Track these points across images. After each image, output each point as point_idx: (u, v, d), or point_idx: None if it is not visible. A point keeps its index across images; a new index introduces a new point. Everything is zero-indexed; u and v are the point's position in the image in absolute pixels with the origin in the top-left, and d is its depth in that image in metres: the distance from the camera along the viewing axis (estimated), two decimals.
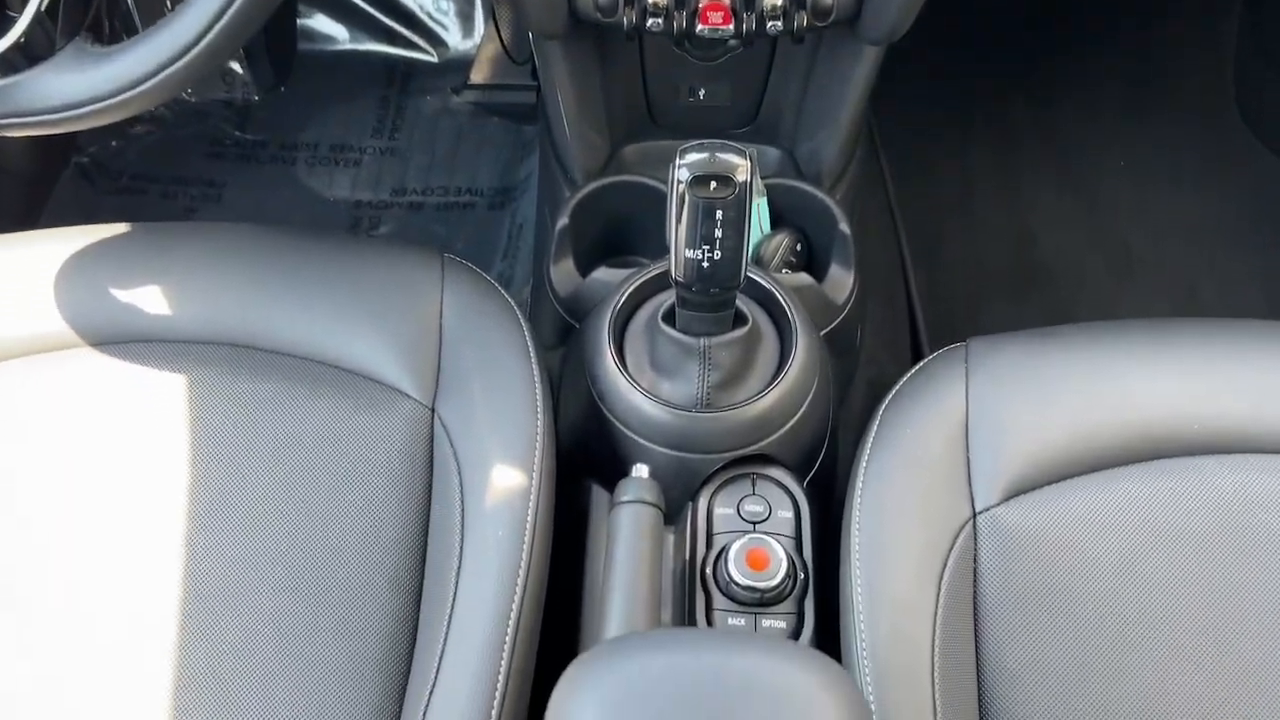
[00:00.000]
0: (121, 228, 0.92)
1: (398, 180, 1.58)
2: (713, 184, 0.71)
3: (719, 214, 0.72)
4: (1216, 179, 1.46)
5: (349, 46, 1.71)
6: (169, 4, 1.51)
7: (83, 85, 0.63)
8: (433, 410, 0.83)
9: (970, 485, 0.79)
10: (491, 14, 1.62)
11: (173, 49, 0.62)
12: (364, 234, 1.53)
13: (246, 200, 1.57)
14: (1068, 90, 1.54)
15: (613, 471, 0.84)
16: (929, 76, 1.48)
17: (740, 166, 0.71)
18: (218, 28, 0.62)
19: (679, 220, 0.73)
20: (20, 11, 0.66)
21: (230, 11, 0.63)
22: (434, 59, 1.70)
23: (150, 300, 0.87)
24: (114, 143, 1.62)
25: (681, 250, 0.74)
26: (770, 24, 0.88)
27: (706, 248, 0.74)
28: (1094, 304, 1.36)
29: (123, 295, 0.88)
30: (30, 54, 0.66)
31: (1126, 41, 1.56)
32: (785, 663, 0.50)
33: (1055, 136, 1.51)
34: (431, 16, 1.70)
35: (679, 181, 0.72)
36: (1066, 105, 1.53)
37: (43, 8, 0.66)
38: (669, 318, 0.84)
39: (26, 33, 0.65)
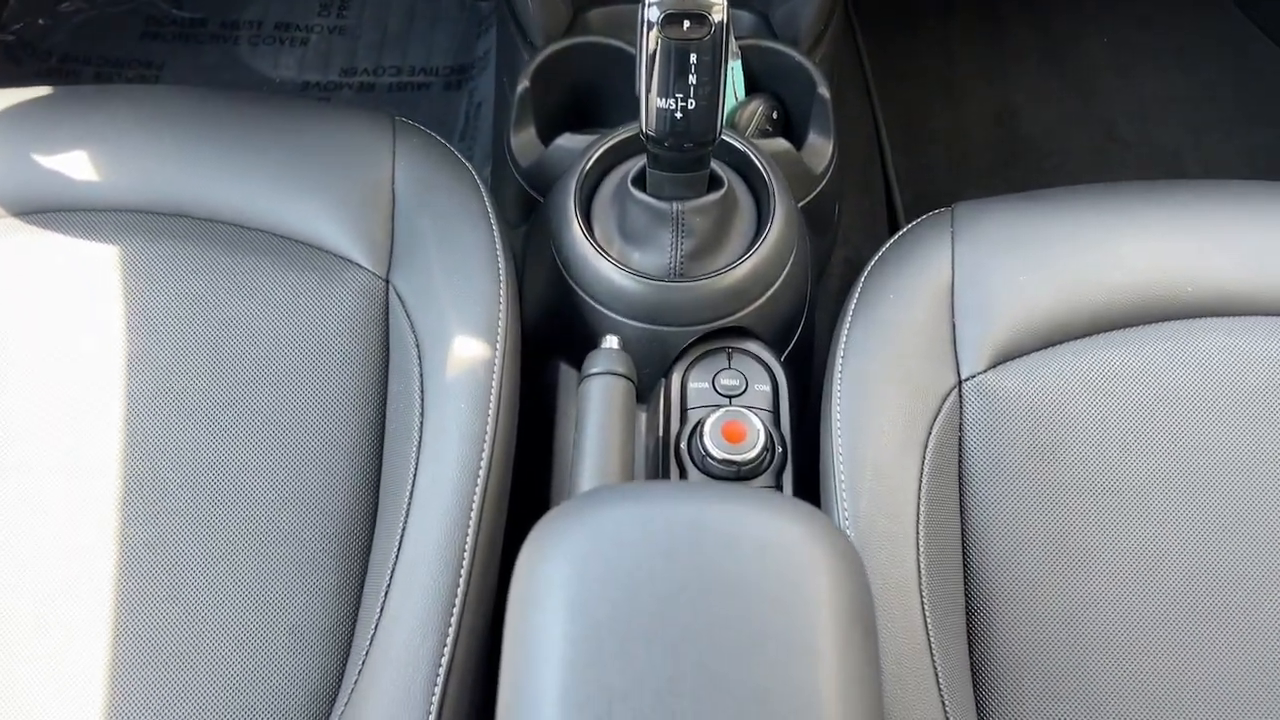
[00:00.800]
0: (44, 90, 0.85)
1: (347, 60, 1.50)
2: (686, 24, 0.66)
3: (693, 57, 0.67)
4: (1200, 56, 1.41)
5: None
6: None
7: None
8: (387, 281, 0.78)
9: (956, 352, 0.75)
10: None
11: None
12: None
13: (186, 82, 1.48)
14: None
15: (581, 349, 0.80)
16: None
17: (716, 4, 0.66)
18: None
19: (650, 66, 0.68)
20: None
21: None
22: None
23: (77, 166, 0.80)
24: (41, 20, 1.52)
25: (653, 100, 0.69)
26: None
27: (680, 96, 0.68)
28: (1077, 180, 1.31)
29: (46, 161, 0.81)
30: None
31: None
32: (771, 512, 0.46)
33: (1038, 13, 1.46)
34: None
35: (649, 22, 0.66)
36: None
37: None
38: (639, 181, 0.79)
39: None
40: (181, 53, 1.51)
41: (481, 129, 1.40)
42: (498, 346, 0.74)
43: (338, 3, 1.55)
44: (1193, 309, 0.76)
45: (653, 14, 0.66)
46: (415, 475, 0.71)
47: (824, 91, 0.96)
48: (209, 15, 1.54)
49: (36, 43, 1.50)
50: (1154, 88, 1.40)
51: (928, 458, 0.71)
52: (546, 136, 0.98)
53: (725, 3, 0.66)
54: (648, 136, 0.72)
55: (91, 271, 0.77)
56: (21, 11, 1.51)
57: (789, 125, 1.03)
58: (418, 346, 0.76)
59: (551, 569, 0.45)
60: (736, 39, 1.00)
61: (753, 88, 1.01)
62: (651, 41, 0.67)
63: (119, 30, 1.52)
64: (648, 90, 0.69)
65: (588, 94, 1.03)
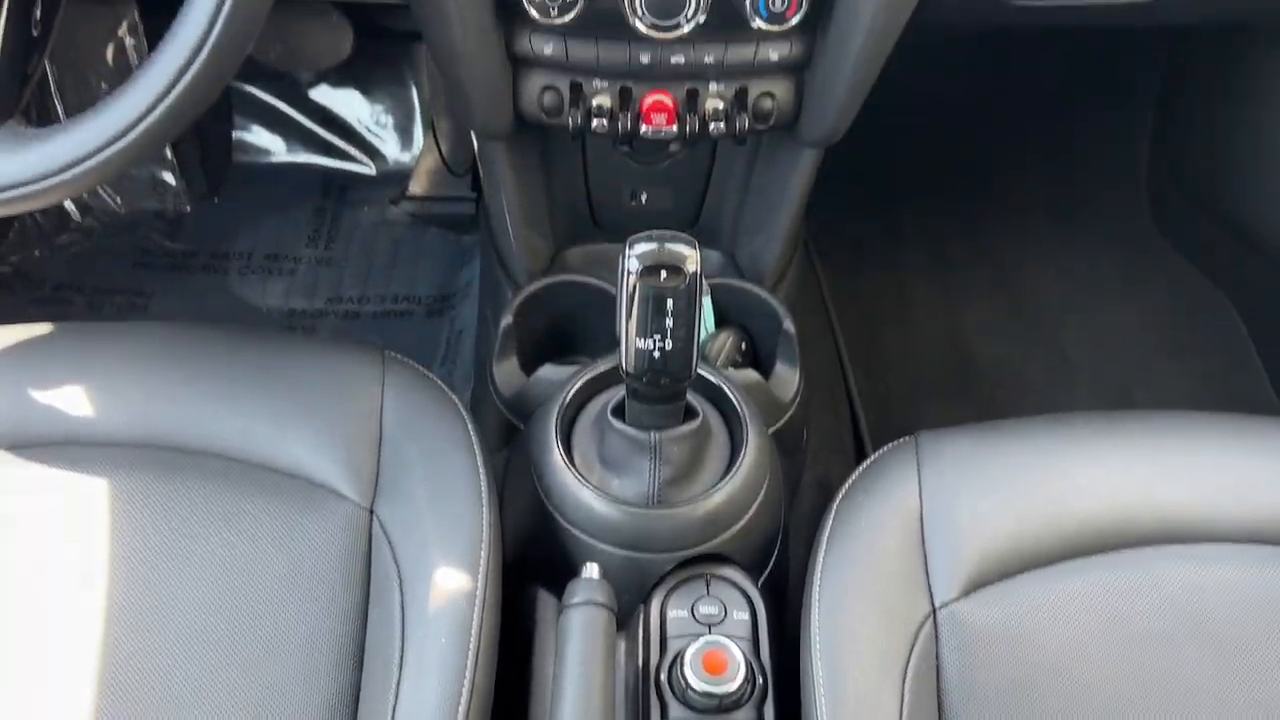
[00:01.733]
0: (43, 327, 0.88)
1: (333, 289, 1.56)
2: (663, 274, 0.71)
3: (670, 303, 0.72)
4: (1139, 285, 1.51)
5: (285, 159, 1.71)
6: (102, 89, 1.51)
7: (16, 166, 0.60)
8: (371, 512, 0.80)
9: (928, 580, 0.77)
10: (431, 127, 1.64)
11: (110, 132, 0.60)
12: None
13: (175, 310, 1.53)
14: (994, 203, 1.60)
15: (561, 576, 0.81)
16: (860, 187, 1.53)
17: (690, 256, 0.72)
18: (157, 112, 0.61)
19: (630, 311, 0.72)
20: None
21: (170, 97, 0.62)
22: (371, 171, 1.70)
23: (72, 401, 0.83)
24: (37, 252, 1.58)
25: (632, 341, 0.73)
26: (713, 125, 0.90)
27: (658, 337, 0.73)
28: (1031, 406, 1.38)
29: (42, 396, 0.83)
30: None
31: (1048, 158, 1.64)
32: None
33: (985, 246, 1.56)
34: (370, 130, 1.71)
35: (629, 272, 0.71)
36: (994, 217, 1.59)
37: None
38: (618, 412, 0.82)
39: None
40: (171, 282, 1.57)
41: (462, 354, 1.45)
42: (479, 579, 0.75)
43: (325, 235, 1.63)
44: (1150, 537, 0.79)
45: (633, 264, 0.71)
46: (394, 709, 0.70)
47: (789, 326, 1.03)
48: (200, 247, 1.61)
49: (32, 273, 1.56)
50: (1099, 316, 1.49)
51: (907, 687, 0.71)
52: (528, 367, 1.02)
53: (698, 255, 0.72)
54: (627, 373, 0.76)
55: (84, 504, 0.78)
56: (20, 244, 1.58)
57: (757, 355, 1.08)
58: (399, 577, 0.76)
59: None
60: (706, 277, 1.06)
61: (722, 321, 1.07)
62: (631, 288, 0.72)
63: (112, 261, 1.58)
64: (627, 331, 0.74)
65: (567, 326, 1.09)
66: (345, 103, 1.71)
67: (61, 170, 0.60)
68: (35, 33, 0.74)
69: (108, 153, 0.59)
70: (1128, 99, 1.58)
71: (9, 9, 0.71)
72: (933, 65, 1.25)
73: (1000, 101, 1.64)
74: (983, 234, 1.56)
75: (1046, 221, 1.59)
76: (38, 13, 0.74)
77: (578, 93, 0.88)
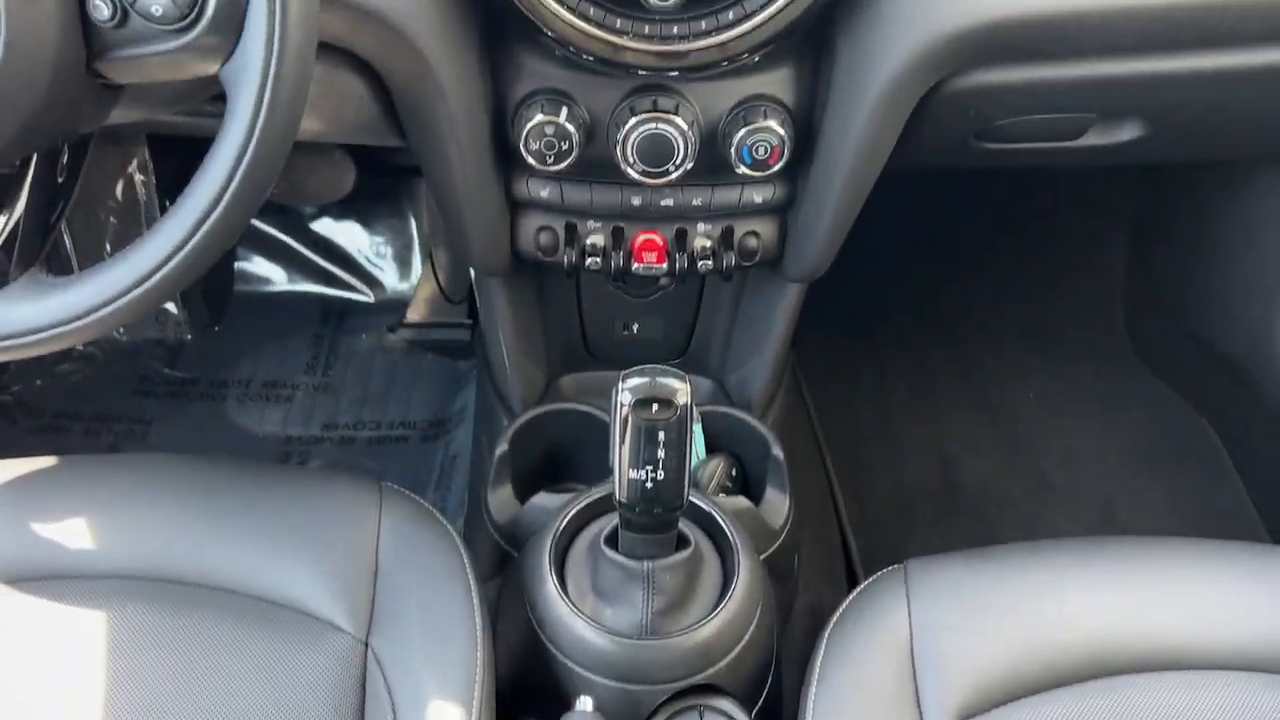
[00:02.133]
0: (44, 461, 0.90)
1: (329, 415, 1.58)
2: (654, 406, 0.74)
3: (661, 435, 0.74)
4: (1117, 406, 1.54)
5: (285, 287, 1.75)
6: (111, 224, 1.55)
7: (36, 313, 0.63)
8: (366, 644, 0.80)
9: (920, 711, 0.77)
10: (429, 257, 1.69)
11: (128, 281, 0.63)
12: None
13: (173, 437, 1.54)
14: (975, 326, 1.65)
15: (554, 706, 0.81)
16: (845, 313, 1.57)
17: (680, 390, 0.74)
18: (174, 261, 0.64)
19: (622, 442, 0.75)
20: None
21: (186, 248, 0.65)
22: (370, 299, 1.75)
23: (70, 535, 0.84)
24: (39, 381, 1.60)
25: (625, 471, 0.76)
26: (701, 263, 0.94)
27: (650, 468, 0.75)
28: (1016, 526, 1.39)
29: (42, 530, 0.84)
30: None
31: (1026, 281, 1.69)
32: None
33: (967, 369, 1.60)
34: (369, 260, 1.76)
35: (622, 405, 0.74)
36: (975, 341, 1.63)
37: None
38: (612, 541, 0.84)
39: None
40: (171, 409, 1.59)
41: (456, 479, 1.46)
42: (473, 712, 0.75)
43: (324, 362, 1.66)
44: (1140, 664, 0.79)
45: (625, 398, 0.74)
46: None
47: (778, 453, 1.05)
48: (200, 374, 1.63)
49: (32, 402, 1.58)
50: (1080, 438, 1.51)
51: None
52: (522, 493, 1.04)
53: (689, 388, 0.75)
54: (620, 502, 0.78)
55: (81, 638, 0.78)
56: (21, 373, 1.60)
57: (747, 482, 1.10)
58: (394, 710, 0.76)
59: None
60: (696, 405, 1.09)
61: (712, 448, 1.09)
62: (624, 420, 0.74)
63: (112, 388, 1.60)
64: (620, 461, 0.76)
65: (560, 451, 1.11)
66: (346, 234, 1.76)
67: (80, 317, 0.63)
68: (61, 179, 0.78)
69: (123, 301, 0.62)
70: (1103, 222, 1.64)
71: (38, 159, 0.75)
72: (914, 193, 1.30)
73: (978, 225, 1.70)
74: (965, 358, 1.60)
75: (1026, 344, 1.63)
76: (64, 159, 0.78)
77: (572, 233, 0.93)
